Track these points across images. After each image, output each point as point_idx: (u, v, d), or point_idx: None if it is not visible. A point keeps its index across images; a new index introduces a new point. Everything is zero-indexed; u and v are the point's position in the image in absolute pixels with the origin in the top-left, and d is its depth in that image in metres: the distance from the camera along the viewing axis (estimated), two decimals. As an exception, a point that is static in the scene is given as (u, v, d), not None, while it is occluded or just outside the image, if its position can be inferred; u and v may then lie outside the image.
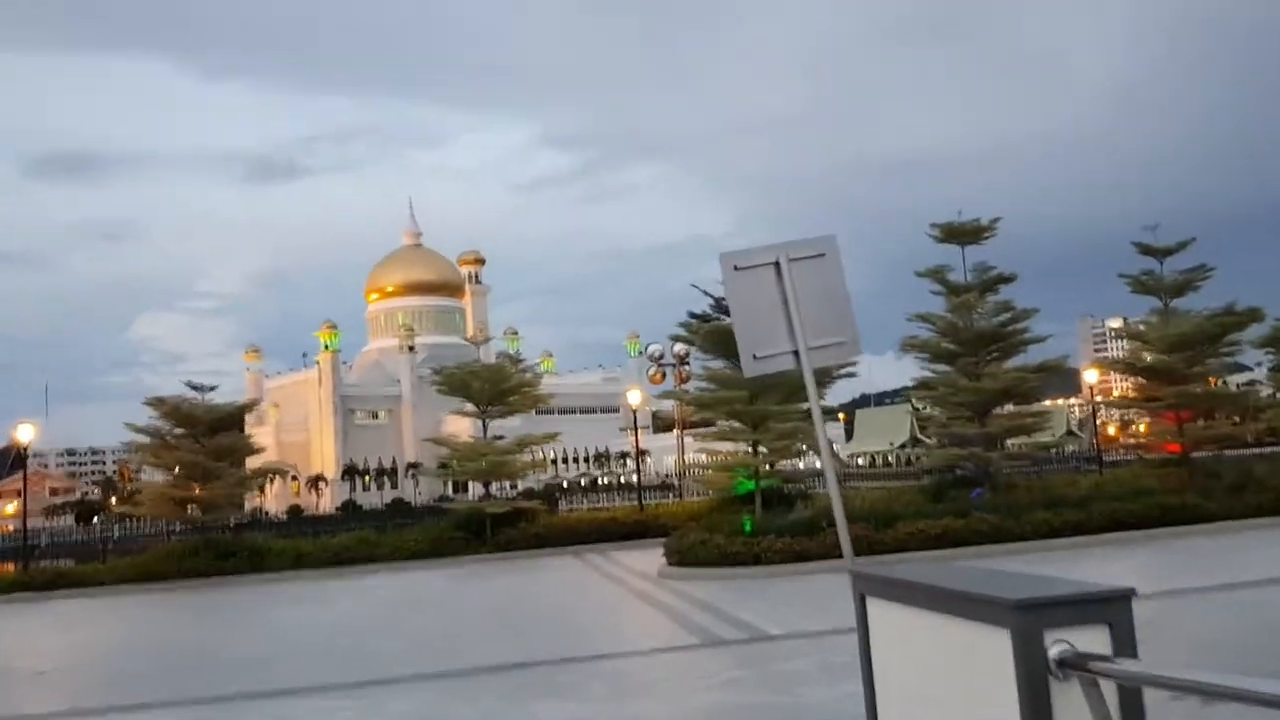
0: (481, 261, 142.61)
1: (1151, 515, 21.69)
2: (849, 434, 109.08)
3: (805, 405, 23.03)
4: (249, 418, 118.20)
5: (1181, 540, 20.70)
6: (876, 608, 3.93)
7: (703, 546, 20.27)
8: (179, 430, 26.30)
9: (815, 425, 5.44)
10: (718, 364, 23.31)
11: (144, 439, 26.54)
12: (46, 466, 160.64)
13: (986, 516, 21.16)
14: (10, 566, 29.36)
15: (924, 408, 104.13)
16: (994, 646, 2.72)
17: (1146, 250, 24.99)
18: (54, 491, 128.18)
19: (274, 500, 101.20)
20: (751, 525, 20.87)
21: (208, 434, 26.39)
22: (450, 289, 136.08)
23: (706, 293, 22.07)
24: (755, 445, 22.02)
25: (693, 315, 22.11)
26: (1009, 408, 25.76)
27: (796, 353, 5.08)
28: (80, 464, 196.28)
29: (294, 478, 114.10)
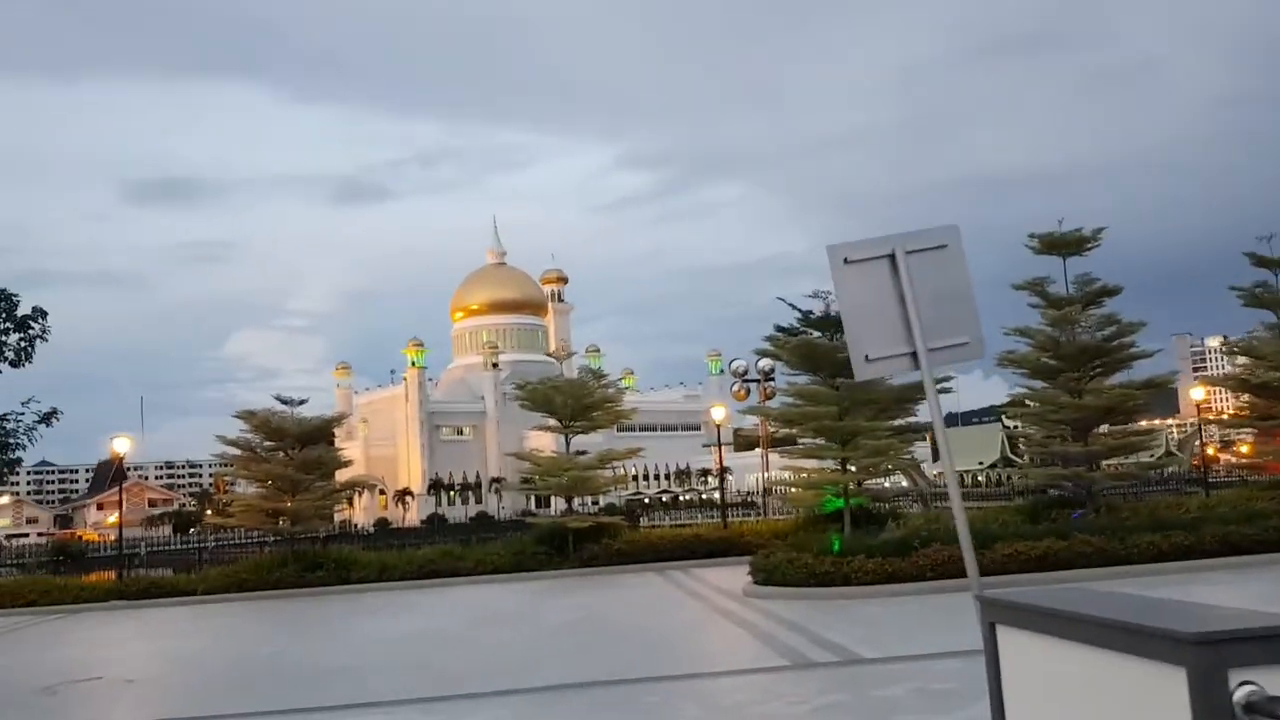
0: (564, 280, 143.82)
1: (1268, 539, 20.45)
2: (934, 453, 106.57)
3: (897, 421, 22.39)
4: (338, 432, 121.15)
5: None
6: (1010, 638, 3.48)
7: (790, 565, 19.68)
8: (269, 443, 26.69)
9: (937, 433, 4.99)
10: (803, 379, 22.77)
11: (235, 451, 27.00)
12: (146, 479, 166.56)
13: (1090, 538, 20.16)
14: (112, 574, 30.12)
15: (1016, 426, 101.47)
16: (1164, 687, 2.28)
17: (1261, 262, 23.69)
18: (153, 503, 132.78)
19: (362, 513, 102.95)
20: (840, 544, 20.23)
21: (296, 447, 26.72)
22: (533, 307, 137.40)
23: (794, 306, 21.59)
24: (844, 462, 21.36)
25: (779, 329, 21.58)
26: (1108, 427, 24.66)
27: (914, 354, 4.64)
28: (178, 476, 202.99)
29: (381, 491, 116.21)
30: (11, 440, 19.51)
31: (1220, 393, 43.52)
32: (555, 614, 19.68)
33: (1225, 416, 38.71)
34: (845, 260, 4.66)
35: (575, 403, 28.36)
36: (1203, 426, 37.44)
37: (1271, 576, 18.80)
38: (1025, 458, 29.28)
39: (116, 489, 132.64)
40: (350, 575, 25.69)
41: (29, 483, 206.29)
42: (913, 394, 21.40)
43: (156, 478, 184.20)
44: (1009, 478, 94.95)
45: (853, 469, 21.66)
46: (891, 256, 4.62)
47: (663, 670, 12.82)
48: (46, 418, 19.57)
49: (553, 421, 29.34)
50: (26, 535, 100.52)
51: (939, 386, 22.35)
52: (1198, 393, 36.63)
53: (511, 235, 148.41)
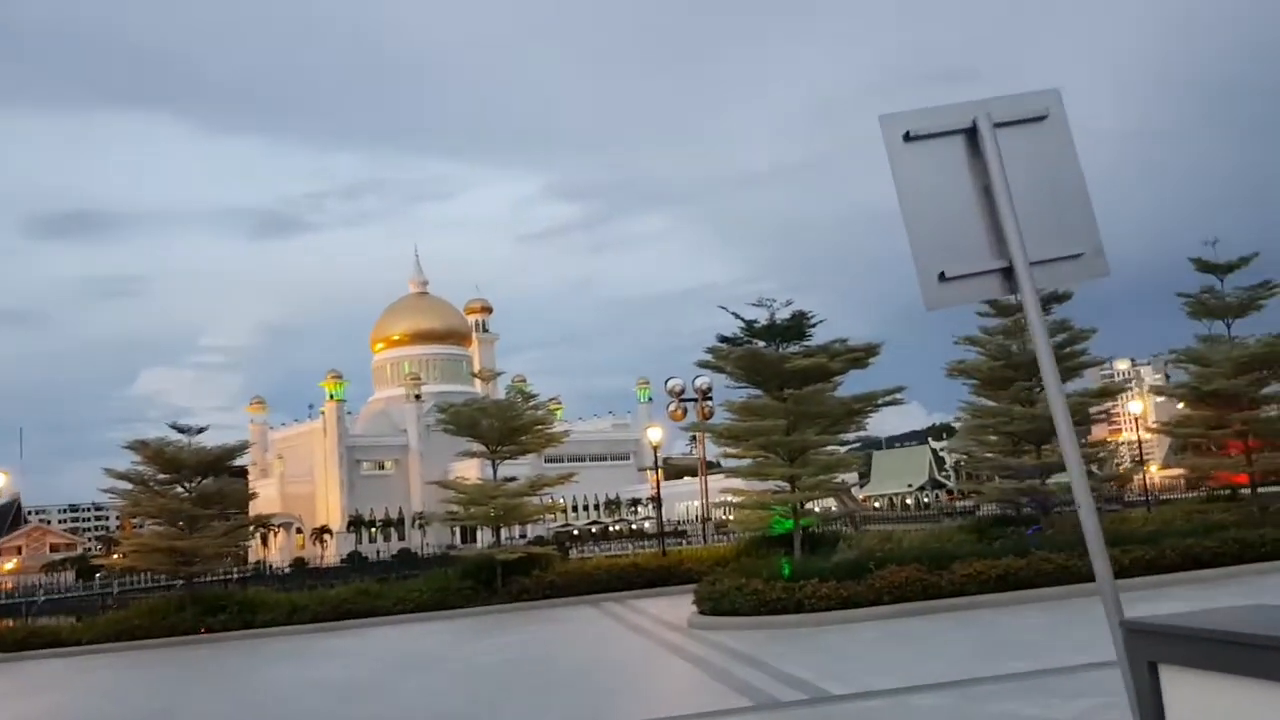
0: (489, 310, 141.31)
1: (1228, 551, 19.67)
2: (862, 476, 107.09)
3: (848, 435, 21.16)
4: (252, 470, 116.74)
5: (1267, 578, 18.64)
6: (1181, 684, 2.38)
7: (738, 593, 18.20)
8: (163, 475, 24.37)
9: (1052, 403, 3.52)
10: (743, 395, 21.40)
11: (126, 485, 24.58)
12: (48, 523, 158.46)
13: (1050, 555, 19.08)
14: (10, 623, 27.37)
15: (942, 448, 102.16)
16: None
17: (1205, 267, 23.15)
18: (54, 547, 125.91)
19: (278, 553, 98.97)
20: (790, 569, 18.83)
21: (195, 479, 24.48)
22: (457, 337, 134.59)
23: (737, 315, 20.21)
24: (793, 481, 20.01)
25: (722, 339, 20.21)
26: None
27: (1008, 270, 3.23)
28: (83, 520, 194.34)
29: (299, 530, 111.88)
30: None
31: (1148, 407, 43.51)
32: (484, 655, 17.86)
33: (1150, 431, 38.54)
34: (906, 136, 3.20)
35: (503, 425, 26.61)
36: (1142, 443, 37.07)
37: (1238, 588, 17.90)
38: (963, 476, 28.30)
39: (15, 534, 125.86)
40: (256, 619, 23.46)
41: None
42: (864, 406, 20.20)
43: (60, 521, 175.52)
44: (937, 498, 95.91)
45: (801, 487, 20.31)
46: (972, 130, 3.20)
47: (611, 718, 11.22)
48: None
49: (478, 447, 27.52)
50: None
51: (888, 400, 21.32)
52: (1135, 406, 36.36)
53: (436, 266, 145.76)
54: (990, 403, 21.84)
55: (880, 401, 19.99)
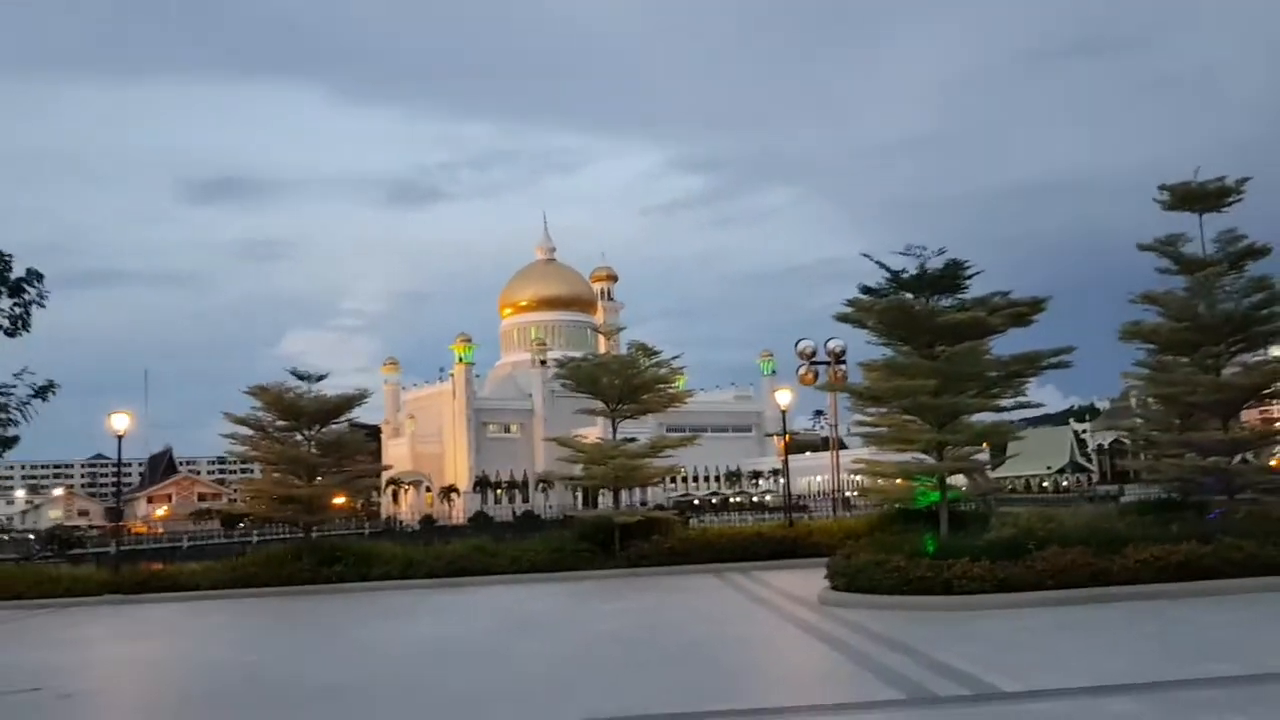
0: (614, 278, 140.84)
1: None
2: (994, 456, 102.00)
3: (1004, 401, 18.98)
4: (385, 429, 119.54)
5: None
6: None
7: (878, 569, 16.44)
8: (281, 422, 23.98)
9: None
10: (884, 356, 19.43)
11: (245, 431, 24.29)
12: (198, 473, 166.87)
13: (1240, 543, 16.65)
14: (159, 566, 27.77)
15: (1083, 432, 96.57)
16: None
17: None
18: (202, 496, 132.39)
19: (408, 510, 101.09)
20: (935, 545, 16.95)
21: (314, 426, 24.01)
22: (582, 304, 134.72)
23: (882, 264, 18.24)
24: (940, 448, 18.03)
25: (865, 290, 18.30)
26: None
27: None
28: (230, 472, 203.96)
29: (428, 488, 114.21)
30: (3, 416, 17.10)
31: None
32: (598, 621, 16.65)
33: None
34: None
35: (624, 382, 25.33)
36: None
37: None
38: (1140, 454, 25.51)
39: (167, 482, 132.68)
40: (371, 571, 22.91)
41: (83, 475, 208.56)
42: (1025, 368, 18.01)
43: (209, 473, 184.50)
44: (1078, 482, 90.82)
45: (951, 456, 18.28)
46: None
47: (735, 701, 9.78)
48: (42, 391, 17.14)
49: (599, 405, 26.36)
50: (78, 528, 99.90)
51: (1054, 361, 19.00)
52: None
53: (562, 237, 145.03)
54: (1179, 367, 19.24)
55: (1045, 363, 17.76)
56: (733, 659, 12.50)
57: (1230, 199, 19.54)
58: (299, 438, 24.19)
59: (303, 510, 24.00)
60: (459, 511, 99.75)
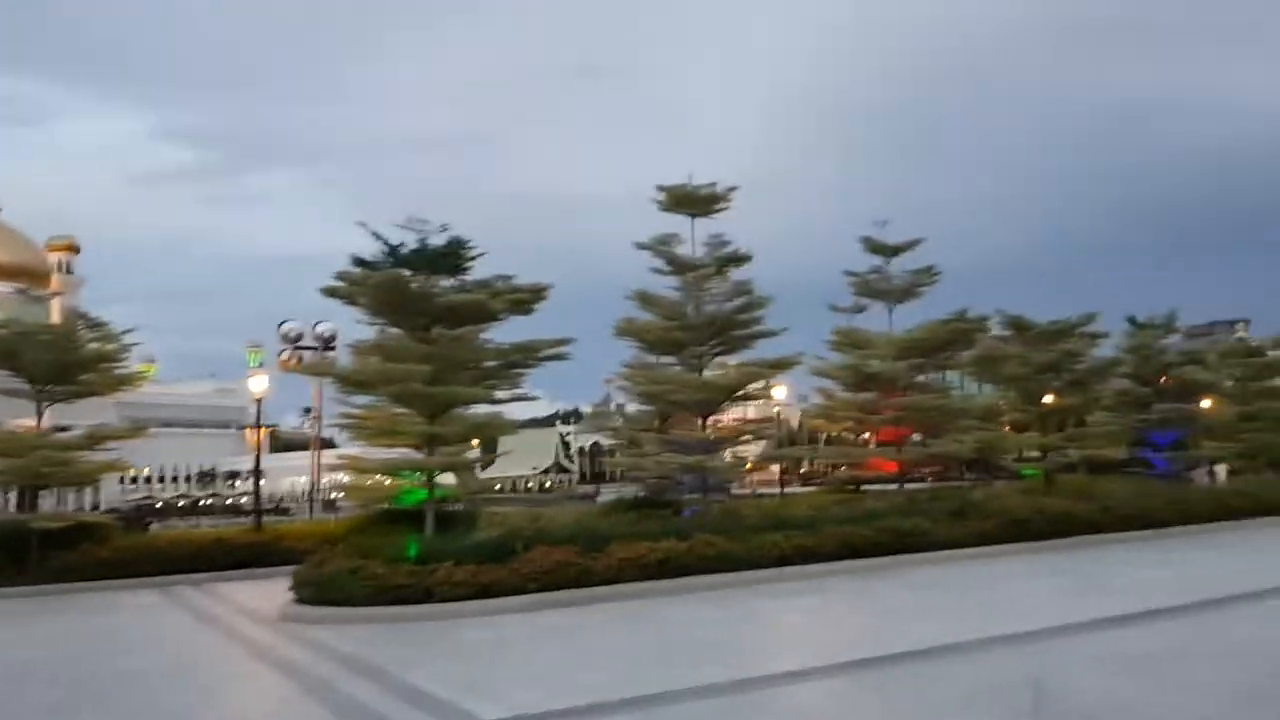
0: (75, 249, 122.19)
1: (882, 541, 18.88)
2: (482, 455, 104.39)
3: (503, 391, 17.90)
4: None
5: (920, 570, 17.99)
6: None
7: (352, 577, 14.41)
8: None
9: None
10: (375, 332, 17.46)
11: None
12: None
13: (713, 539, 17.13)
14: None
15: (568, 434, 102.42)
16: None
17: (875, 249, 22.63)
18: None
19: None
20: (419, 549, 15.32)
21: None
22: (33, 275, 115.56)
23: (377, 235, 16.24)
24: (432, 443, 16.40)
25: (359, 262, 16.15)
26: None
27: None
28: None
29: None
30: None
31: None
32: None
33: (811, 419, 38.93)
34: None
35: (55, 358, 20.60)
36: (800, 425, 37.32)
37: (897, 581, 16.93)
38: (620, 454, 26.16)
39: None
40: None
41: None
42: (525, 357, 17.04)
43: None
44: (561, 482, 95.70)
45: (443, 450, 16.74)
46: None
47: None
48: None
49: (24, 385, 21.23)
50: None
51: (552, 352, 18.32)
52: (779, 392, 36.31)
53: (22, 198, 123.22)
54: (667, 366, 19.63)
55: (544, 354, 16.95)
56: (155, 700, 9.66)
57: (720, 205, 20.42)
58: None
59: None
60: None
